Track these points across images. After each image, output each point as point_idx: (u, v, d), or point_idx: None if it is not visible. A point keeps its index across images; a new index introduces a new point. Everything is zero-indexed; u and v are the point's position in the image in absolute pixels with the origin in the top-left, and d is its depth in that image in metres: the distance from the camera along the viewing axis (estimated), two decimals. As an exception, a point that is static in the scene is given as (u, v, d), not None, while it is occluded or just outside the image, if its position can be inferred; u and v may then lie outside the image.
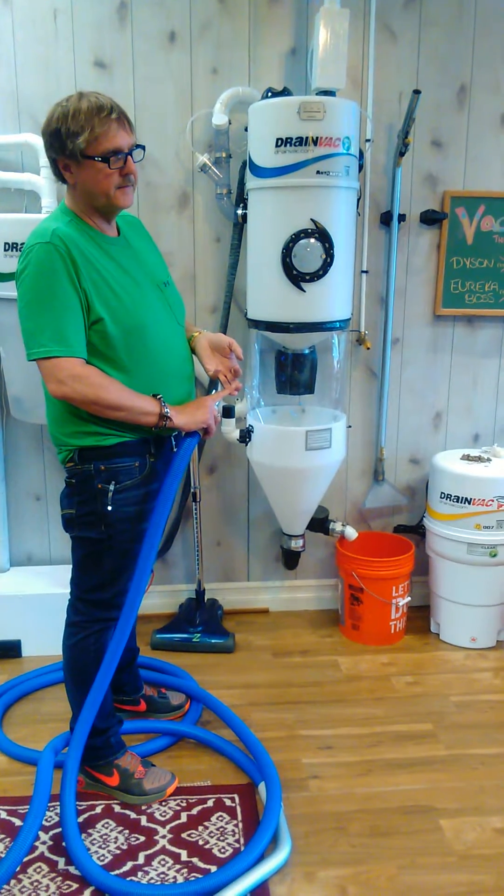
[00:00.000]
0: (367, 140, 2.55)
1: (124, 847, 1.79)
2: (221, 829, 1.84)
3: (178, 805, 1.92)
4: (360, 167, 2.41)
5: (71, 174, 1.70)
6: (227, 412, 2.56)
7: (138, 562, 1.83)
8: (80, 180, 1.70)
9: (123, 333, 1.72)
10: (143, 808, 1.92)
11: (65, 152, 1.67)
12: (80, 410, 1.73)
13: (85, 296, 1.67)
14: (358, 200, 2.43)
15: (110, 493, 1.76)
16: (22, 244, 2.23)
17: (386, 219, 2.65)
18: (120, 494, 1.78)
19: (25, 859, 1.75)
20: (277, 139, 2.19)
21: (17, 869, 1.71)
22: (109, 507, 1.76)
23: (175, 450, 1.85)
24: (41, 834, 1.82)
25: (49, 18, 2.42)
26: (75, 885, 1.68)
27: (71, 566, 1.93)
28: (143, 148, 1.77)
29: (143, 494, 1.83)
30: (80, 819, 1.88)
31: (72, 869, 1.72)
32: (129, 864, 1.74)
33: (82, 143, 1.64)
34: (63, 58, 2.44)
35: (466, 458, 2.70)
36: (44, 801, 1.78)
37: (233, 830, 1.84)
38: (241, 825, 1.85)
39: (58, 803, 1.90)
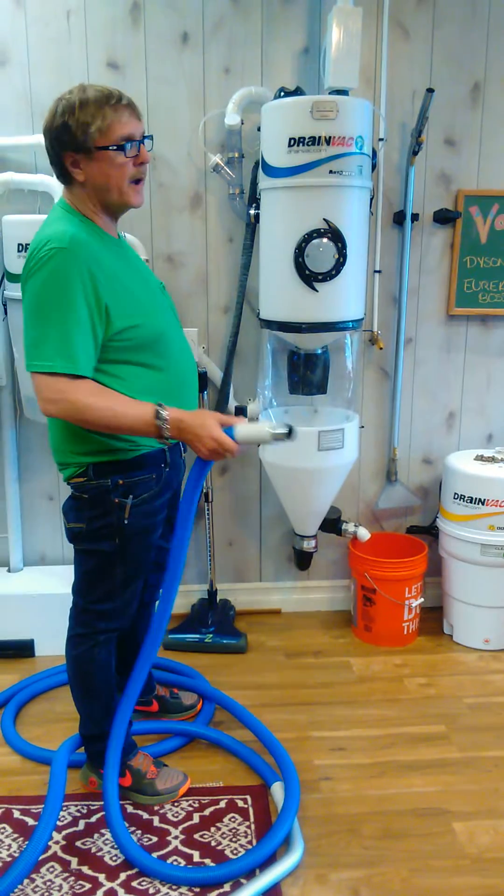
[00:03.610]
0: (381, 139, 2.53)
1: (137, 847, 1.80)
2: (234, 831, 1.84)
3: (190, 806, 1.92)
4: (374, 166, 2.39)
5: (80, 170, 1.61)
6: (240, 412, 2.55)
7: (170, 560, 1.78)
8: (91, 176, 1.61)
9: (146, 340, 1.67)
10: (156, 808, 1.92)
11: (74, 146, 1.58)
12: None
13: (105, 308, 1.58)
14: (371, 200, 2.42)
15: (128, 506, 1.71)
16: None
17: (399, 218, 2.63)
18: (137, 508, 1.73)
19: (38, 858, 1.75)
20: (290, 139, 2.18)
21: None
22: (126, 521, 1.72)
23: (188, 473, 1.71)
24: (54, 834, 1.83)
25: (62, 19, 2.42)
26: (88, 885, 1.68)
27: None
28: (152, 138, 1.69)
29: (157, 506, 1.79)
30: (93, 819, 1.88)
31: (85, 869, 1.73)
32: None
33: (95, 132, 1.56)
34: (76, 58, 2.45)
35: (480, 458, 2.68)
36: (58, 801, 1.78)
37: (245, 832, 1.84)
38: (253, 826, 1.85)
39: (72, 803, 1.92)
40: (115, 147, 1.59)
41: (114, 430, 1.62)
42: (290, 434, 1.57)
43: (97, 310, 1.58)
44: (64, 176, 1.67)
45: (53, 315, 1.55)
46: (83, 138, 1.58)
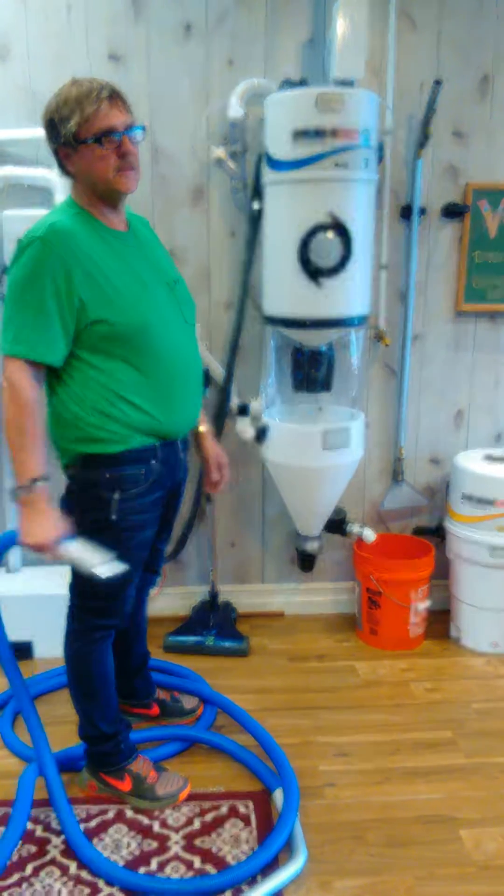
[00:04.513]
0: (387, 132, 2.50)
1: (137, 853, 1.77)
2: (235, 836, 1.81)
3: (191, 811, 1.90)
4: (380, 159, 2.37)
5: (71, 163, 1.68)
6: (243, 410, 2.52)
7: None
8: (79, 168, 1.67)
9: (127, 332, 1.67)
10: (156, 813, 1.89)
11: (60, 140, 1.66)
12: (84, 415, 1.69)
13: (79, 299, 1.62)
14: (377, 193, 2.39)
15: (115, 501, 1.72)
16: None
17: (406, 212, 2.60)
18: (125, 503, 1.73)
19: (37, 863, 1.73)
20: (295, 131, 2.16)
21: (30, 872, 1.70)
22: (114, 516, 1.73)
23: None
24: (53, 837, 1.80)
25: (63, 12, 2.40)
26: (87, 890, 1.66)
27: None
28: (144, 129, 1.71)
29: (147, 503, 1.79)
30: (93, 823, 1.86)
31: (83, 873, 1.70)
32: (142, 870, 1.72)
33: (73, 127, 1.62)
34: (77, 52, 2.42)
35: (489, 458, 2.65)
36: (25, 809, 1.79)
37: (247, 838, 1.81)
38: (254, 832, 1.82)
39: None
40: (92, 140, 1.63)
41: (8, 438, 1.64)
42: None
43: (67, 299, 1.62)
44: (62, 169, 1.73)
45: (19, 302, 1.62)
46: (65, 133, 1.64)
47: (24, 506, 1.64)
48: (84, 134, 1.62)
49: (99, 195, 1.71)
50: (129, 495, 1.73)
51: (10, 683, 1.89)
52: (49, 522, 1.65)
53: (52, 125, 1.66)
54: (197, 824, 1.85)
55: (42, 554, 1.66)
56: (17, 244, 1.66)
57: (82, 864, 1.72)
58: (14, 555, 2.73)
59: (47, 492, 1.65)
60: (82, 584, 1.85)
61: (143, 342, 1.70)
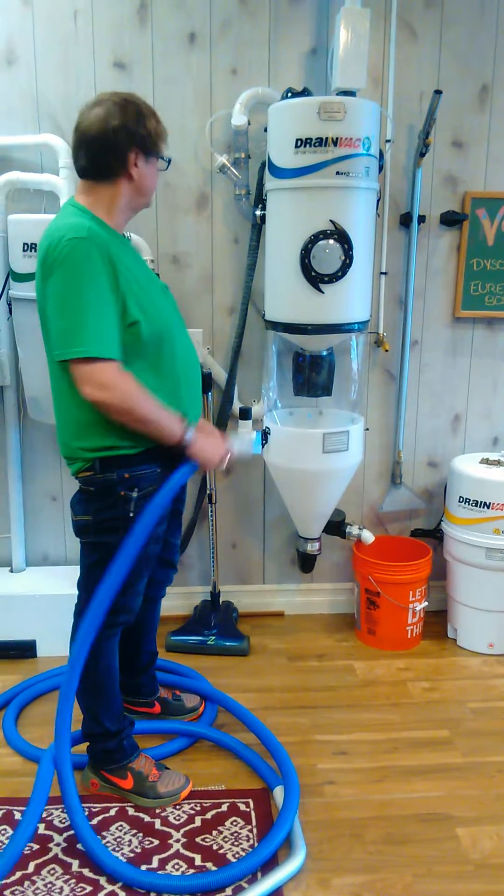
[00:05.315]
0: (388, 140, 2.53)
1: (138, 850, 1.78)
2: (236, 834, 1.83)
3: (192, 809, 1.92)
4: (380, 168, 2.39)
5: (137, 168, 1.71)
6: (244, 414, 2.54)
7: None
8: (141, 176, 1.72)
9: (155, 336, 1.71)
10: (157, 811, 1.91)
11: (145, 145, 1.70)
12: (104, 423, 1.69)
13: (122, 297, 1.64)
14: (378, 201, 2.42)
15: (134, 499, 1.74)
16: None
17: (405, 220, 2.63)
18: (142, 500, 1.76)
19: (39, 860, 1.75)
20: (297, 140, 2.18)
21: (32, 870, 1.72)
22: (132, 514, 1.74)
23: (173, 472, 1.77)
24: (55, 836, 1.82)
25: (69, 19, 2.42)
26: (89, 888, 1.68)
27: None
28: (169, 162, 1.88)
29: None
30: (94, 822, 1.87)
31: (86, 871, 1.72)
32: (143, 868, 1.73)
33: (156, 138, 1.72)
34: (83, 59, 2.44)
35: (485, 461, 2.67)
36: (43, 797, 1.78)
37: (247, 836, 1.83)
38: (255, 830, 1.84)
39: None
40: (163, 157, 1.78)
41: (145, 428, 1.70)
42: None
43: (120, 295, 1.64)
44: (111, 170, 1.70)
45: (84, 302, 1.60)
46: (155, 140, 1.72)
47: (194, 445, 1.75)
48: (158, 149, 1.75)
49: (135, 204, 1.77)
50: (146, 493, 1.76)
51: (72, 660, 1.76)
52: (217, 440, 1.83)
53: (144, 126, 1.68)
54: (198, 822, 1.87)
55: (217, 467, 1.85)
56: (48, 248, 1.61)
57: (85, 862, 1.74)
58: (18, 555, 2.76)
59: (196, 424, 1.81)
60: (92, 579, 1.87)
61: (164, 345, 1.74)
